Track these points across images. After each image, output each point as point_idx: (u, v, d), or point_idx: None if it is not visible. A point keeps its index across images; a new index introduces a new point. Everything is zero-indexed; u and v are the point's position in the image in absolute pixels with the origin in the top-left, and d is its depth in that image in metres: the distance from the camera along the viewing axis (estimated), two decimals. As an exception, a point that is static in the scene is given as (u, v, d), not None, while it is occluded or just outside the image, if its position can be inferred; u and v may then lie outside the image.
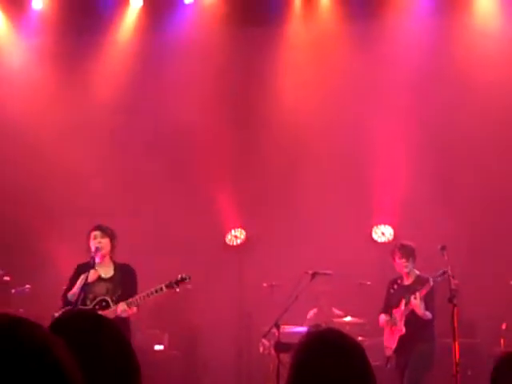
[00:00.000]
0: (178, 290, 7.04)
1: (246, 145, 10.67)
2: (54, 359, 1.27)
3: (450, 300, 6.96)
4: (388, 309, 7.88)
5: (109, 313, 6.87)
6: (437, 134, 10.11)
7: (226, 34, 10.57)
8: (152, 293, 6.95)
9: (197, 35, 10.78)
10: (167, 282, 6.99)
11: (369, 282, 9.30)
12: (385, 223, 10.45)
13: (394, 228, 10.39)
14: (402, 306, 7.59)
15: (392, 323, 7.72)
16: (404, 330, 7.49)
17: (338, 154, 10.34)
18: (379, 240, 10.46)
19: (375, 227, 10.49)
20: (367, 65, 10.27)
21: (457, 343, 6.59)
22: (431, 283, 7.37)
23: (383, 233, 10.46)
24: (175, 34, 10.72)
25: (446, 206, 9.56)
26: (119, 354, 1.86)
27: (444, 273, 7.21)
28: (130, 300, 6.96)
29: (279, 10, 10.70)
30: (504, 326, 8.71)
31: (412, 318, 7.43)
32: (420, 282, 7.53)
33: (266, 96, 10.69)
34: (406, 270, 7.70)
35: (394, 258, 7.78)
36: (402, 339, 7.55)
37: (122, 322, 6.92)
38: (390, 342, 7.73)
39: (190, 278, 7.06)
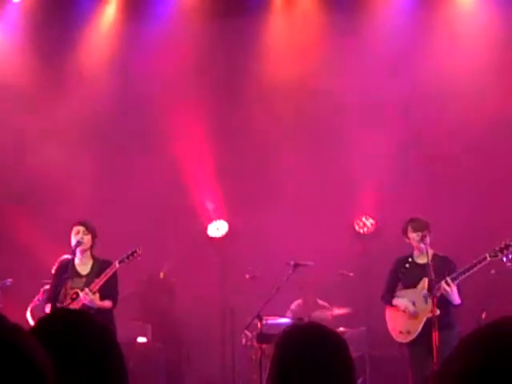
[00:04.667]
0: (129, 262, 7.20)
1: (228, 135, 10.66)
2: (26, 357, 1.26)
3: (430, 290, 6.87)
4: (394, 289, 7.34)
5: (75, 303, 7.00)
6: (421, 123, 10.14)
7: (207, 25, 10.56)
8: (111, 269, 7.13)
9: (177, 26, 10.76)
10: (119, 258, 7.18)
11: (351, 273, 9.34)
12: (367, 215, 10.48)
13: (375, 220, 10.43)
14: (425, 287, 7.05)
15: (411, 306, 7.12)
16: (438, 311, 6.76)
17: (321, 145, 10.36)
18: (361, 231, 10.50)
19: (357, 219, 10.52)
20: (349, 53, 10.29)
21: (436, 333, 6.61)
22: (452, 264, 7.02)
23: (365, 224, 10.49)
24: (155, 25, 10.70)
25: (430, 198, 9.61)
26: (100, 352, 1.86)
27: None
28: (92, 285, 7.06)
29: (260, 0, 10.74)
30: (484, 315, 8.80)
31: (440, 301, 6.86)
32: (442, 261, 7.02)
33: (248, 86, 10.69)
34: (422, 245, 7.05)
35: (406, 235, 7.26)
36: (428, 323, 6.85)
37: (105, 315, 6.99)
38: (409, 326, 7.10)
39: (139, 250, 7.20)
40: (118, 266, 7.15)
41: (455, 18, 10.35)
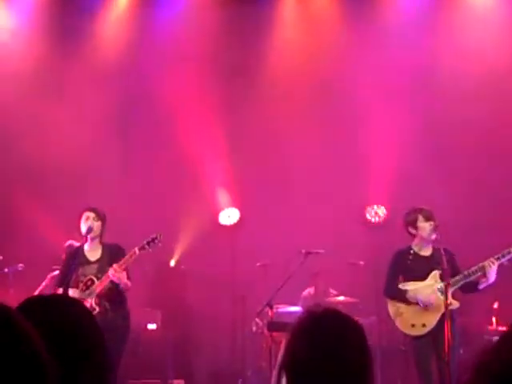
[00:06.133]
0: (150, 250, 6.96)
1: (241, 122, 10.63)
2: (31, 350, 1.25)
3: (443, 279, 6.73)
4: (397, 282, 7.10)
5: (95, 287, 6.93)
6: (431, 112, 10.10)
7: (221, 12, 10.53)
8: (130, 256, 6.88)
9: (191, 13, 10.75)
10: (140, 245, 6.93)
11: (362, 262, 9.31)
12: (378, 203, 10.45)
13: (387, 208, 10.39)
14: (437, 280, 6.91)
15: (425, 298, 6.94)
16: (458, 303, 6.74)
17: (334, 133, 10.31)
18: (372, 220, 10.46)
19: (369, 207, 10.49)
20: (361, 41, 10.27)
21: (449, 321, 6.56)
22: (453, 254, 6.92)
23: (376, 213, 10.46)
24: (169, 12, 10.70)
25: (441, 186, 9.56)
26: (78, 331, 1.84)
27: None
28: (115, 265, 6.86)
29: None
30: (496, 305, 8.78)
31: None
32: (446, 254, 6.74)
33: (260, 74, 10.66)
34: (433, 236, 6.87)
35: (413, 225, 7.03)
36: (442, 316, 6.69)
37: (118, 295, 7.01)
38: (424, 319, 6.93)
39: (160, 236, 6.98)
40: (138, 252, 6.90)
41: (471, 9, 10.30)
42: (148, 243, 6.94)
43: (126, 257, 6.92)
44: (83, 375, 1.77)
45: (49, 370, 1.27)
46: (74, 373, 1.73)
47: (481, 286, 6.87)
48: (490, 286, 6.92)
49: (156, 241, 6.96)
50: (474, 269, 6.82)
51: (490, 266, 6.74)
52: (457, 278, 6.86)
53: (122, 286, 6.94)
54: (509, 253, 6.81)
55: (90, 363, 1.80)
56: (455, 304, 6.78)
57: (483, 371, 1.21)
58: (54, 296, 2.29)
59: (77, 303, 2.00)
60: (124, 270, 6.93)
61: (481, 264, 6.78)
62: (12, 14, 10.84)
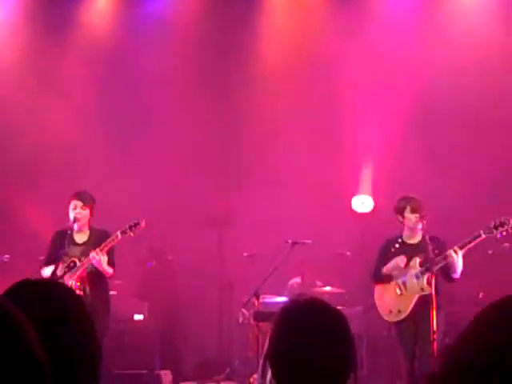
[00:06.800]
0: (132, 234, 7.07)
1: (228, 115, 10.63)
2: (29, 348, 1.24)
3: (429, 268, 6.76)
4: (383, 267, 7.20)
5: (76, 269, 7.01)
6: (422, 101, 10.08)
7: (208, 6, 10.53)
8: (113, 239, 7.03)
9: (179, 6, 10.73)
10: (121, 229, 7.05)
11: (348, 253, 9.34)
12: (365, 193, 10.46)
13: (374, 198, 10.41)
14: (416, 266, 6.96)
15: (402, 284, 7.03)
16: (432, 290, 6.68)
17: (319, 123, 10.32)
18: (359, 210, 10.48)
19: (355, 197, 10.49)
20: (350, 29, 10.26)
21: (434, 311, 6.60)
22: (443, 243, 6.91)
23: (363, 203, 10.47)
24: (156, 10, 10.70)
25: (428, 177, 9.58)
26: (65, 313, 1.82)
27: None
28: (99, 248, 7.00)
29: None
30: (481, 295, 8.82)
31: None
32: (432, 241, 6.81)
33: (246, 64, 10.65)
34: (418, 226, 6.98)
35: (401, 214, 7.11)
36: (420, 301, 6.86)
37: (102, 283, 7.16)
38: (400, 305, 7.02)
39: (142, 222, 7.07)
40: (120, 236, 7.04)
41: (462, 4, 10.35)
42: (130, 227, 7.05)
43: (108, 240, 7.04)
44: (75, 366, 1.76)
45: (46, 368, 1.26)
46: (65, 364, 1.72)
47: (453, 275, 6.86)
48: (468, 274, 6.92)
49: (138, 226, 7.04)
50: (438, 258, 6.81)
51: (452, 256, 6.74)
52: (427, 264, 6.89)
53: (100, 270, 7.03)
54: (473, 239, 6.75)
55: (82, 353, 1.80)
56: (427, 289, 6.78)
57: (450, 361, 1.23)
58: (43, 281, 2.26)
59: (67, 290, 1.98)
60: (107, 254, 7.04)
61: (444, 254, 6.78)
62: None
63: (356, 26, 10.28)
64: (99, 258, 6.95)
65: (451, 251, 6.74)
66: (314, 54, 10.43)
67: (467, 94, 9.67)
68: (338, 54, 10.21)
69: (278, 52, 10.67)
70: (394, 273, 7.15)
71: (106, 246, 7.03)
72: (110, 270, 7.11)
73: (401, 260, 7.09)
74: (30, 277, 1.96)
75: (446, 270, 6.86)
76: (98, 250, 6.96)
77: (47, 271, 7.13)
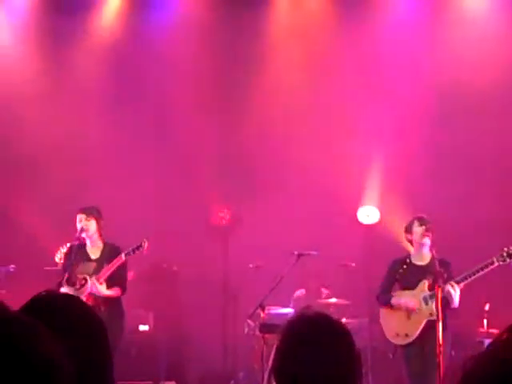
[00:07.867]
0: (133, 254, 7.30)
1: (233, 123, 10.64)
2: (45, 359, 1.25)
3: (435, 281, 6.66)
4: (390, 291, 7.19)
5: (84, 290, 7.12)
6: (429, 111, 10.08)
7: (213, 16, 10.55)
8: (114, 264, 7.25)
9: (183, 18, 10.77)
10: (125, 251, 7.28)
11: (354, 264, 9.32)
12: (371, 205, 10.44)
13: (379, 210, 10.38)
14: (424, 289, 6.92)
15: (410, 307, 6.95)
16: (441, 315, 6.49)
17: (324, 136, 10.32)
18: (364, 222, 10.45)
19: (361, 208, 10.47)
20: (354, 45, 10.28)
21: (440, 323, 6.56)
22: (451, 267, 6.84)
23: (368, 214, 10.44)
24: (163, 15, 10.73)
25: (435, 188, 9.57)
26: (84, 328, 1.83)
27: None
28: (97, 276, 7.19)
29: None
30: (487, 307, 8.79)
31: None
32: (441, 264, 6.71)
33: (251, 78, 10.67)
34: (425, 241, 6.88)
35: (410, 231, 7.04)
36: (428, 325, 6.80)
37: (112, 303, 7.26)
38: (407, 329, 6.95)
39: (145, 244, 7.24)
40: (124, 258, 7.27)
41: (466, 8, 10.36)
42: (133, 250, 7.28)
43: (109, 266, 7.24)
44: (86, 374, 1.77)
45: (65, 369, 1.27)
46: (79, 376, 1.73)
47: (451, 306, 6.79)
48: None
49: (141, 248, 7.26)
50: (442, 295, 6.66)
51: (449, 292, 6.67)
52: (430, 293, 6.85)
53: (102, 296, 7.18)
54: (469, 276, 6.68)
55: (96, 366, 1.80)
56: (435, 315, 6.62)
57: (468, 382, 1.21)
58: (59, 295, 2.28)
59: (82, 303, 2.00)
60: (115, 271, 7.22)
61: (446, 289, 6.66)
62: (5, 10, 10.85)
63: (361, 29, 10.28)
64: (96, 289, 7.14)
65: (448, 286, 6.66)
66: (322, 60, 10.45)
67: (479, 106, 9.70)
68: (345, 59, 10.24)
69: (286, 57, 10.69)
70: (401, 294, 7.08)
71: (109, 270, 7.22)
72: (113, 293, 7.29)
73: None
74: (45, 289, 1.99)
75: (445, 300, 6.75)
76: (93, 279, 7.14)
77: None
